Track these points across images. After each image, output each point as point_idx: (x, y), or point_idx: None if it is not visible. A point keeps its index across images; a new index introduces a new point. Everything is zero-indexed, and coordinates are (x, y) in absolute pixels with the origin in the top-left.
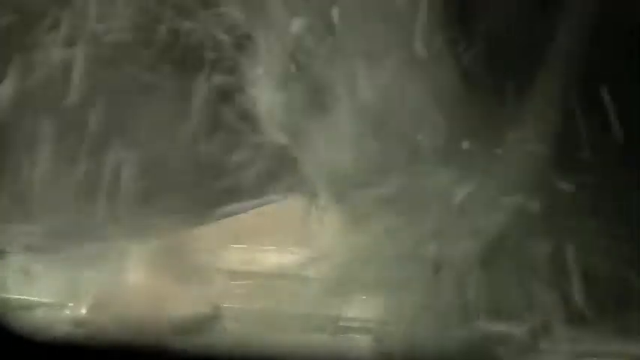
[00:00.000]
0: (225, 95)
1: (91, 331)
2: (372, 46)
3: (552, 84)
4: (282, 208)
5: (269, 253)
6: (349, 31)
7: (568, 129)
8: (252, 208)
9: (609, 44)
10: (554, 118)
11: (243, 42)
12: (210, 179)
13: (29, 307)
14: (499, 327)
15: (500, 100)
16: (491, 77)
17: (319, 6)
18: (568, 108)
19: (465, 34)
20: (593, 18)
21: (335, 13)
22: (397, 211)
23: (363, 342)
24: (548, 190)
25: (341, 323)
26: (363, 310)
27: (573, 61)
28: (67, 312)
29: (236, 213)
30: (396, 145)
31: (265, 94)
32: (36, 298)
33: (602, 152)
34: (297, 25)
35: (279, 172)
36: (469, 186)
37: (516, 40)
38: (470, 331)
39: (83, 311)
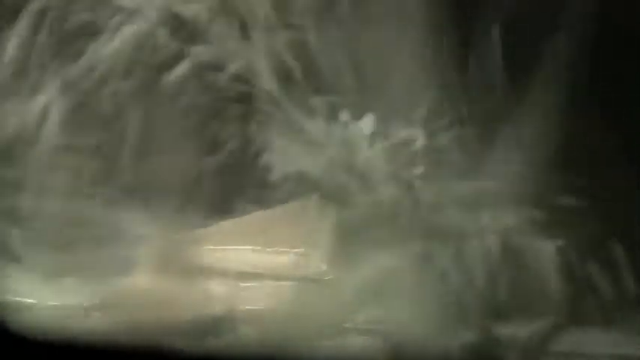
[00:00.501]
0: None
1: (99, 332)
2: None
3: (552, 87)
4: (290, 209)
5: (278, 255)
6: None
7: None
8: (260, 209)
9: (610, 45)
10: (554, 121)
11: None
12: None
13: (34, 308)
14: (505, 329)
15: (499, 103)
16: (491, 80)
17: None
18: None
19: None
20: (595, 19)
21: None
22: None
23: (371, 344)
24: (551, 191)
25: (350, 325)
26: (371, 313)
27: (573, 63)
28: (74, 314)
29: (244, 213)
30: None
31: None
32: (40, 300)
33: (603, 153)
34: None
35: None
36: (473, 188)
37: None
38: (476, 333)
39: (90, 313)
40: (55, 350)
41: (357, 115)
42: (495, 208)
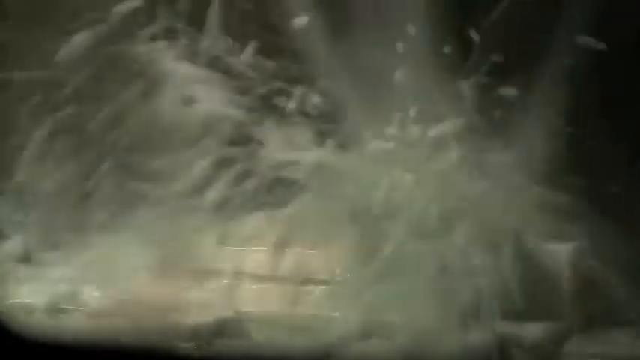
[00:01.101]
0: None
1: (106, 334)
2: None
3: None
4: (300, 211)
5: (287, 256)
6: None
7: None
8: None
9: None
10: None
11: None
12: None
13: (38, 310)
14: (520, 330)
15: (504, 103)
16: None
17: None
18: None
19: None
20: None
21: None
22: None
23: (384, 345)
24: (561, 192)
25: (362, 327)
26: (383, 314)
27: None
28: (82, 316)
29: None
30: None
31: None
32: (46, 302)
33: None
34: None
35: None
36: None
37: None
38: (491, 334)
39: (99, 315)
40: (57, 352)
41: None
42: (507, 211)
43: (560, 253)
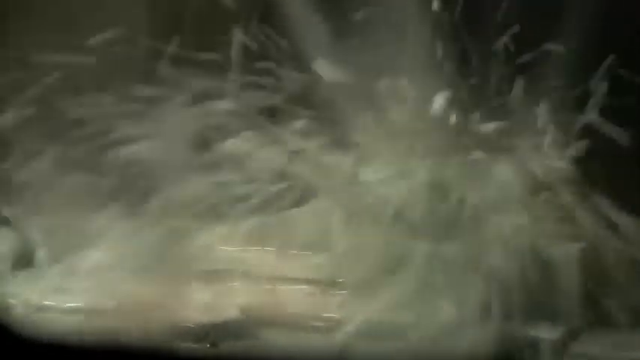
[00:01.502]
0: None
1: (106, 334)
2: None
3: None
4: (306, 213)
5: (294, 257)
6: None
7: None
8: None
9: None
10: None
11: None
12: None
13: (40, 309)
14: (529, 331)
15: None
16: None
17: None
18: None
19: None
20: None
21: None
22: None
23: (392, 346)
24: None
25: (371, 327)
26: (391, 314)
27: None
28: (88, 317)
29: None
30: None
31: None
32: (46, 302)
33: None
34: None
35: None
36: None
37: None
38: (500, 334)
39: (104, 316)
40: (57, 352)
41: None
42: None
43: (571, 252)
